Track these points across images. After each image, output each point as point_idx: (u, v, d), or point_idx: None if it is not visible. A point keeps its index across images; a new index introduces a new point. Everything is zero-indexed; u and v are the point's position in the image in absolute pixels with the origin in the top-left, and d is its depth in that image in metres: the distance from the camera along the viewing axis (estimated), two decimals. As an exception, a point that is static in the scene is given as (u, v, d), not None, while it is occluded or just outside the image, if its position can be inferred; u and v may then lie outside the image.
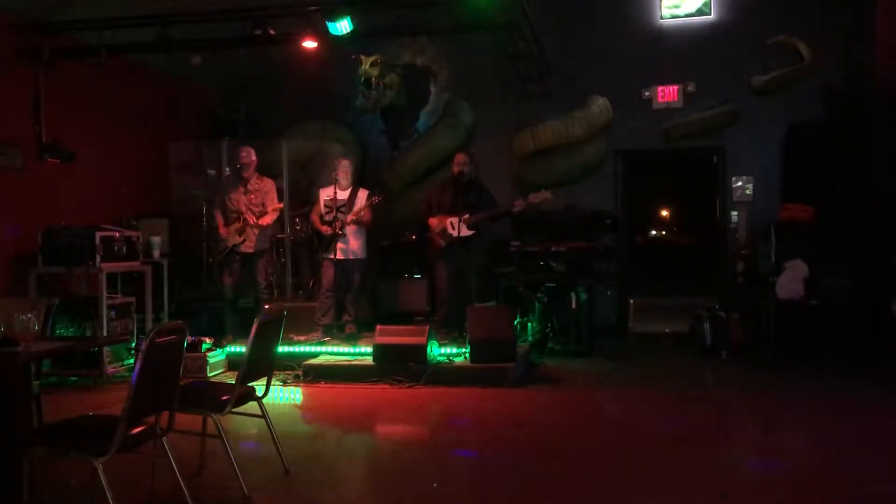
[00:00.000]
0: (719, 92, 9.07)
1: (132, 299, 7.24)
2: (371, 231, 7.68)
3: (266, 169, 8.00)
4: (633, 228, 17.25)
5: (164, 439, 3.48)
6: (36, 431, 3.59)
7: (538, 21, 7.91)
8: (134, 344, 6.94)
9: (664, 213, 33.40)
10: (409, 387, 6.40)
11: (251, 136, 9.08)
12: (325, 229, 7.33)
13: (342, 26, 7.14)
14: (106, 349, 6.67)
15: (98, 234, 6.87)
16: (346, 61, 9.20)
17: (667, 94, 9.29)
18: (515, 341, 6.82)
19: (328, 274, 7.38)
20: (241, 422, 4.52)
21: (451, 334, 7.25)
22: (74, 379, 6.75)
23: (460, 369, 6.60)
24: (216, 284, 7.93)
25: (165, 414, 3.46)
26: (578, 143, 9.20)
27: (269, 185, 7.51)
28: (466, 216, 7.22)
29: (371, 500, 4.16)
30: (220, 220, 7.41)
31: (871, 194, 7.92)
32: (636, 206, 14.96)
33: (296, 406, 6.18)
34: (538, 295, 7.92)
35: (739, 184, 9.18)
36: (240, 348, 7.09)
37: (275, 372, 4.52)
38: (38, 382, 4.12)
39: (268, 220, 7.37)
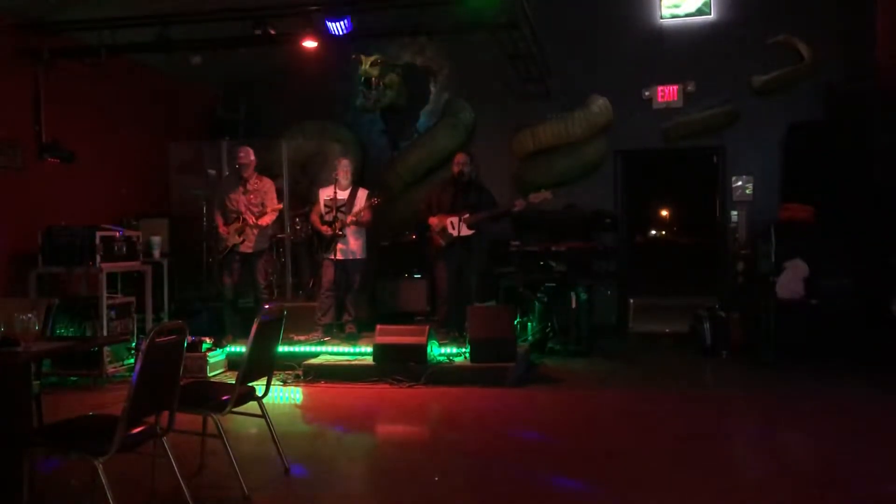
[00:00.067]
0: (719, 92, 9.07)
1: (132, 299, 7.25)
2: (371, 231, 7.68)
3: (266, 169, 8.00)
4: (633, 228, 17.27)
5: (164, 439, 3.48)
6: (36, 431, 3.58)
7: (538, 21, 7.91)
8: (134, 344, 6.95)
9: (664, 212, 33.43)
10: (409, 387, 6.40)
11: (251, 136, 9.09)
12: (326, 230, 7.33)
13: (342, 26, 7.15)
14: (106, 349, 6.67)
15: (98, 234, 6.87)
16: (346, 61, 9.20)
17: (667, 94, 9.30)
18: (515, 341, 6.82)
19: (328, 274, 7.38)
20: (241, 422, 4.52)
21: (451, 334, 7.25)
22: (74, 379, 6.75)
23: (460, 369, 6.60)
24: (216, 284, 7.92)
25: (165, 414, 3.46)
26: (578, 143, 9.20)
27: (268, 185, 7.51)
28: (466, 216, 7.22)
29: (371, 499, 4.16)
30: (219, 220, 7.41)
31: (871, 194, 7.92)
32: (636, 205, 15.00)
33: (296, 406, 6.18)
34: (538, 295, 7.91)
35: (739, 184, 9.18)
36: (240, 348, 7.09)
37: (275, 372, 4.51)
38: (38, 382, 4.11)
39: (267, 220, 7.37)
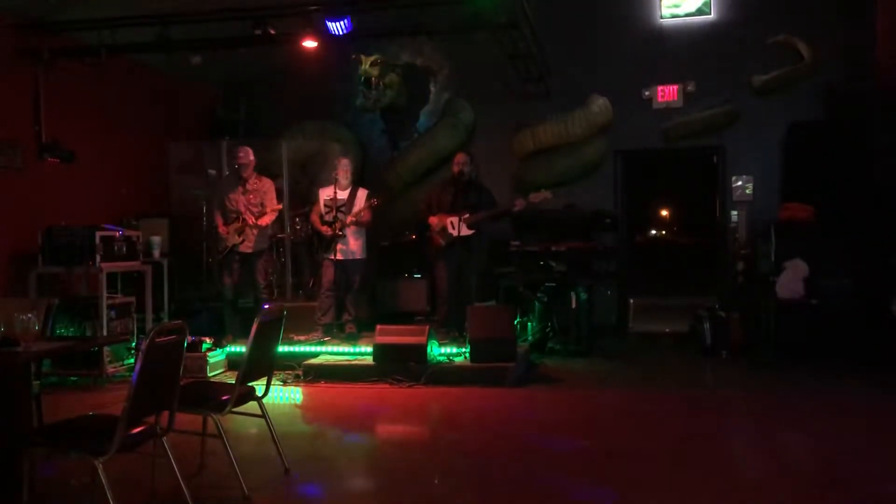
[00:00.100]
0: (719, 92, 9.07)
1: (132, 299, 7.25)
2: (371, 231, 7.68)
3: (266, 169, 8.00)
4: (633, 228, 17.24)
5: (164, 439, 3.48)
6: (36, 431, 3.58)
7: (538, 21, 7.91)
8: (134, 344, 6.94)
9: (664, 212, 33.39)
10: (409, 387, 6.40)
11: (251, 136, 9.08)
12: (325, 230, 7.33)
13: (342, 26, 7.14)
14: (106, 349, 6.67)
15: (98, 234, 6.87)
16: (346, 61, 9.20)
17: (667, 93, 9.30)
18: (515, 341, 6.82)
19: (328, 273, 7.38)
20: (241, 422, 4.52)
21: (451, 334, 7.26)
22: (74, 379, 6.76)
23: (460, 369, 6.60)
24: (216, 284, 7.93)
25: (165, 414, 3.46)
26: (578, 143, 9.20)
27: (267, 185, 7.51)
28: (466, 216, 7.22)
29: (371, 499, 4.16)
30: (219, 219, 7.41)
31: (871, 194, 7.92)
32: (636, 205, 14.98)
33: (296, 406, 6.18)
34: (538, 295, 7.92)
35: (739, 183, 9.19)
36: (240, 348, 7.09)
37: (275, 372, 4.51)
38: (38, 382, 4.11)
39: (266, 220, 7.37)
